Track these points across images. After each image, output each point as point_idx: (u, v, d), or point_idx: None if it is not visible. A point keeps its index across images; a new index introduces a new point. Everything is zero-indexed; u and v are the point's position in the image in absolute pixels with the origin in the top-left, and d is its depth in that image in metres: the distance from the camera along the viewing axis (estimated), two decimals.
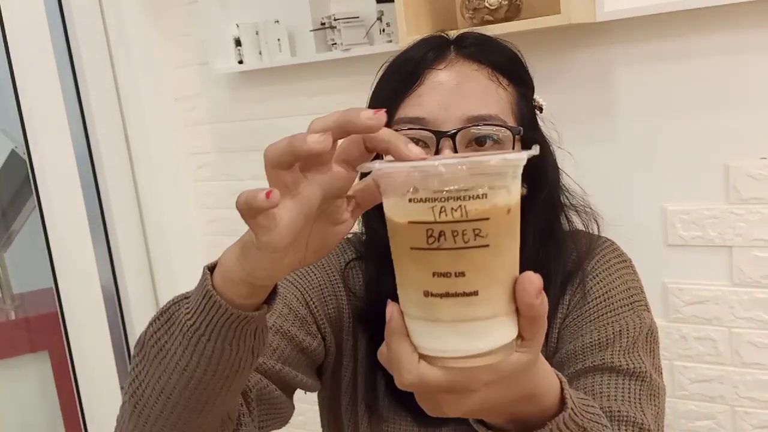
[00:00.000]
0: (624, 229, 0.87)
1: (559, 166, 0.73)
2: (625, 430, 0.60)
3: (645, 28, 1.22)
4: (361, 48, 1.44)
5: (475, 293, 0.36)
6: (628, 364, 0.64)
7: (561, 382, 0.48)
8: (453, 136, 0.63)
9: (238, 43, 1.57)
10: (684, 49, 1.20)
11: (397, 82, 0.67)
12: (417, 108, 0.65)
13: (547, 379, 0.46)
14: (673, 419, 1.32)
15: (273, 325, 0.66)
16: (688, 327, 1.28)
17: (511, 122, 0.67)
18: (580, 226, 0.74)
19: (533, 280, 0.38)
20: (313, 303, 0.69)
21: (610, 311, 0.68)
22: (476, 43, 0.69)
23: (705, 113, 1.21)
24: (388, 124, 0.60)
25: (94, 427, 1.62)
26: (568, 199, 0.73)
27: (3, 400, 1.65)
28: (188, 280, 0.59)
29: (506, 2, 1.20)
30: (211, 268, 0.46)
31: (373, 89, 0.70)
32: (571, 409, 0.47)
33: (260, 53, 1.56)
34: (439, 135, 0.63)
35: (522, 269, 0.57)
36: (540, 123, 0.72)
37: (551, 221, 0.71)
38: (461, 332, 0.37)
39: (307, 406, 0.94)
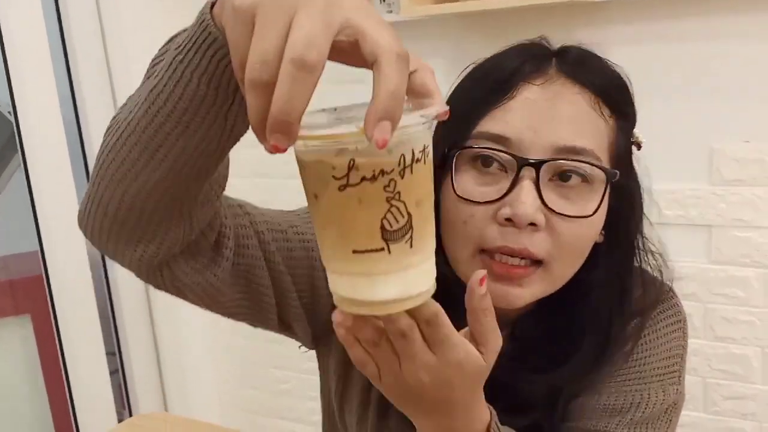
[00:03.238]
0: None
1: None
2: None
3: (630, 10, 1.24)
4: None
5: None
6: None
7: (492, 414, 0.52)
8: (538, 166, 0.55)
9: None
10: (671, 32, 1.23)
11: (484, 90, 0.59)
12: (503, 125, 0.57)
13: (483, 405, 0.51)
14: None
15: (301, 241, 0.63)
16: None
17: (605, 160, 0.58)
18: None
19: (475, 276, 0.44)
20: None
21: (639, 378, 0.64)
22: (580, 60, 0.61)
23: (691, 96, 1.24)
24: (465, 138, 0.59)
25: (78, 391, 1.62)
26: (643, 245, 0.66)
27: None
28: None
29: None
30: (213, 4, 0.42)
31: (451, 91, 0.64)
32: None
33: None
34: (523, 162, 0.56)
35: (581, 315, 0.63)
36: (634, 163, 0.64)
37: (623, 275, 0.64)
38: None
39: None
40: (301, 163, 0.39)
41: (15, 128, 1.47)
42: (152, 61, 0.47)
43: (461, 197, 0.58)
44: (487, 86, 0.60)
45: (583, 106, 0.58)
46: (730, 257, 1.26)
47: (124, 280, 1.71)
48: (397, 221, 0.38)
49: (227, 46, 0.37)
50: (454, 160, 0.59)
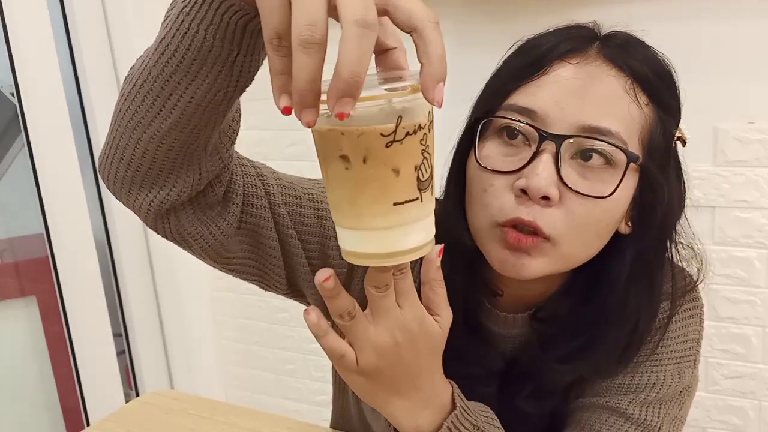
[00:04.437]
0: None
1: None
2: None
3: None
4: None
5: None
6: (640, 415, 0.63)
7: (452, 386, 0.56)
8: (559, 141, 0.56)
9: None
10: (674, 11, 1.22)
11: (521, 65, 0.60)
12: (531, 98, 0.58)
13: (443, 377, 0.55)
14: None
15: (315, 207, 0.64)
16: None
17: (635, 147, 0.58)
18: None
19: (435, 248, 0.47)
20: None
21: (655, 360, 0.65)
22: (623, 45, 0.61)
23: (695, 77, 1.24)
24: (496, 109, 0.60)
25: (85, 372, 1.63)
26: (676, 240, 0.65)
27: None
28: None
29: None
30: None
31: (498, 67, 0.65)
32: (462, 408, 0.55)
33: None
34: (544, 136, 0.56)
35: (609, 307, 0.65)
36: (681, 160, 0.63)
37: (652, 270, 0.63)
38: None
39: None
40: (334, 132, 0.41)
41: (18, 109, 1.47)
42: (166, 12, 0.49)
43: (482, 166, 0.59)
44: (523, 61, 0.61)
45: (617, 88, 0.58)
46: (732, 237, 1.27)
47: (130, 261, 1.72)
48: (427, 171, 0.43)
49: (230, 0, 0.41)
50: (479, 130, 0.60)
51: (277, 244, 0.63)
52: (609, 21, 0.68)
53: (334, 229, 0.66)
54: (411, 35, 0.38)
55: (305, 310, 0.49)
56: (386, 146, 0.40)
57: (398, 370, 0.51)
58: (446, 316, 0.51)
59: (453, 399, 0.55)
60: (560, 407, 0.67)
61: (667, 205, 0.61)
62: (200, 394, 1.01)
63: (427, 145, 0.42)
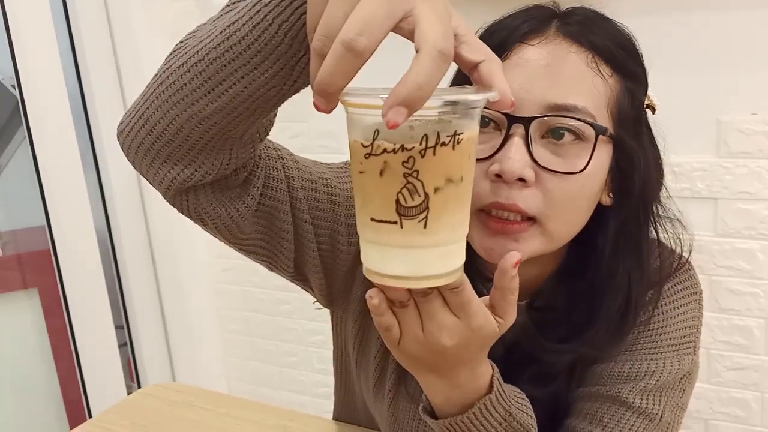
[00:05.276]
0: None
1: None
2: None
3: None
4: None
5: None
6: (641, 404, 0.63)
7: (493, 369, 0.55)
8: (527, 123, 0.56)
9: None
10: (677, 2, 1.21)
11: None
12: None
13: (487, 362, 0.54)
14: None
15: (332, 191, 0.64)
16: None
17: (604, 119, 0.58)
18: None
19: (509, 257, 0.46)
20: None
21: (655, 347, 0.65)
22: (582, 21, 0.61)
23: (699, 68, 1.23)
24: None
25: (87, 364, 1.64)
26: (658, 212, 0.66)
27: None
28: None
29: None
30: None
31: None
32: (498, 392, 0.54)
33: None
34: (512, 120, 0.57)
35: (600, 279, 0.64)
36: (652, 127, 0.64)
37: (637, 238, 0.64)
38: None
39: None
40: (348, 128, 0.41)
41: (19, 102, 1.46)
42: None
43: None
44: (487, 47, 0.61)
45: (579, 64, 0.58)
46: (735, 229, 1.27)
47: (132, 253, 1.72)
48: (413, 198, 0.39)
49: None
50: None
51: (291, 228, 0.63)
52: (609, 11, 0.68)
53: (345, 216, 0.66)
54: None
55: (368, 295, 0.46)
56: (365, 157, 0.39)
57: (439, 360, 0.50)
58: (509, 320, 0.50)
59: (491, 382, 0.54)
60: (563, 396, 0.66)
61: (645, 171, 0.62)
62: (203, 387, 1.01)
63: (416, 170, 0.38)
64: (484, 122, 0.59)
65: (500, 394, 0.54)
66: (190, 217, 0.58)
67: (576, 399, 0.66)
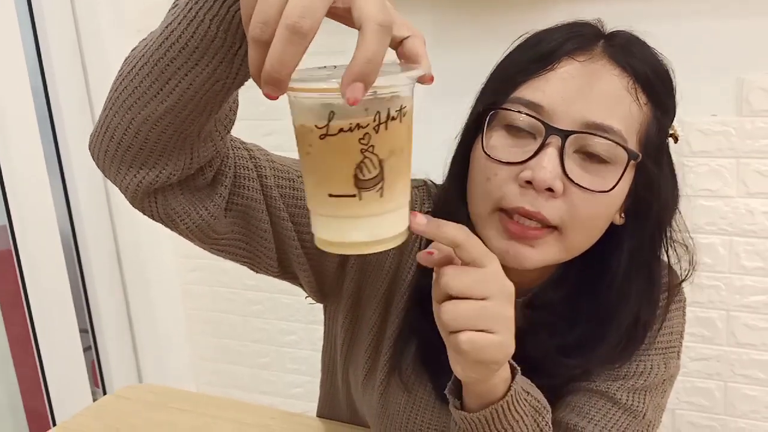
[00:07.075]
0: None
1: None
2: None
3: None
4: None
5: None
6: (627, 401, 0.66)
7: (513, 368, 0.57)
8: (564, 136, 0.58)
9: None
10: (639, 10, 1.24)
11: (528, 59, 0.62)
12: (539, 93, 0.60)
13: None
14: None
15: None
16: None
17: (632, 144, 0.60)
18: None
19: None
20: None
21: (644, 350, 0.68)
22: (626, 45, 0.63)
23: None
24: (503, 101, 0.61)
25: (51, 370, 1.59)
26: (671, 236, 0.68)
27: None
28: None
29: None
30: None
31: (501, 60, 0.66)
32: (521, 385, 0.56)
33: None
34: (551, 130, 0.58)
35: (611, 299, 0.67)
36: (672, 156, 0.67)
37: (650, 260, 0.67)
38: None
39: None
40: (292, 113, 0.43)
41: None
42: None
43: (488, 155, 0.61)
44: (531, 56, 0.62)
45: (619, 88, 0.60)
46: (697, 225, 1.31)
47: (97, 255, 1.67)
48: (370, 171, 0.42)
49: None
50: (487, 120, 0.62)
51: (269, 227, 0.63)
52: (584, 15, 0.73)
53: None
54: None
55: (412, 219, 0.48)
56: (320, 138, 0.41)
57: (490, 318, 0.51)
58: (490, 257, 0.52)
59: (511, 367, 0.57)
60: (552, 390, 0.68)
61: (663, 199, 0.65)
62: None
63: (372, 145, 0.41)
64: (520, 127, 0.61)
65: (523, 379, 0.57)
66: (159, 220, 0.58)
67: (565, 393, 0.68)
